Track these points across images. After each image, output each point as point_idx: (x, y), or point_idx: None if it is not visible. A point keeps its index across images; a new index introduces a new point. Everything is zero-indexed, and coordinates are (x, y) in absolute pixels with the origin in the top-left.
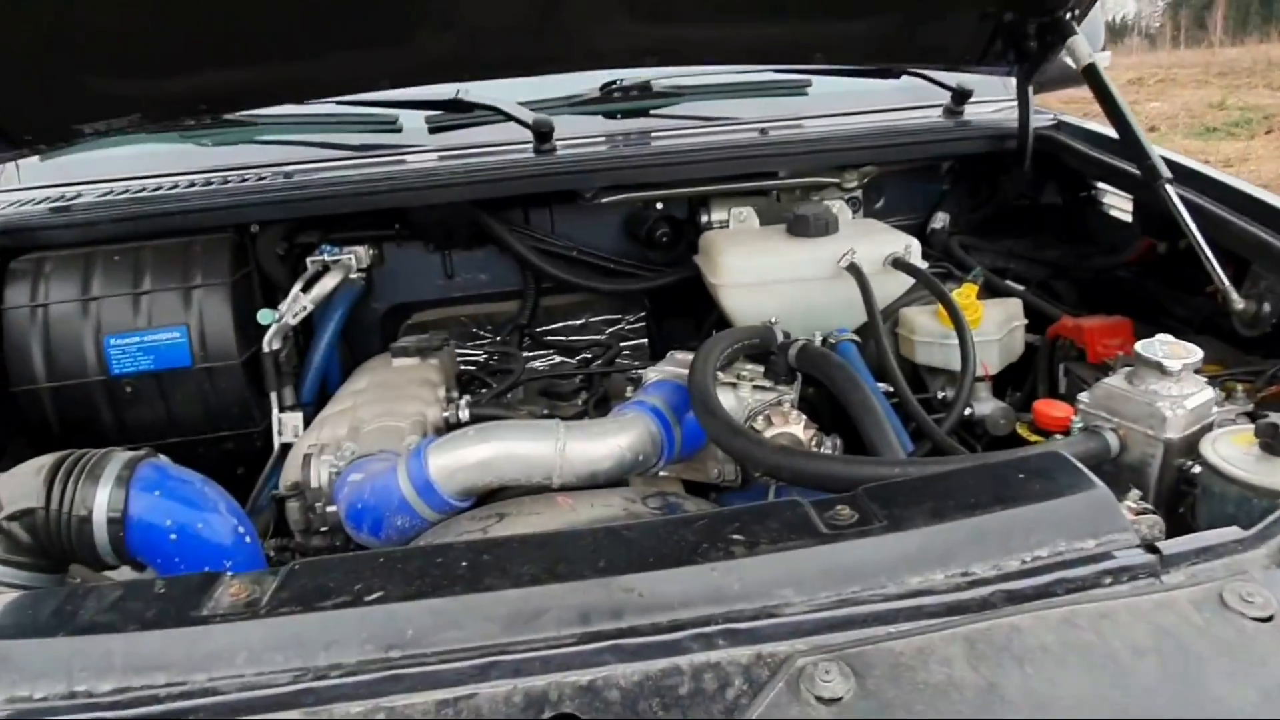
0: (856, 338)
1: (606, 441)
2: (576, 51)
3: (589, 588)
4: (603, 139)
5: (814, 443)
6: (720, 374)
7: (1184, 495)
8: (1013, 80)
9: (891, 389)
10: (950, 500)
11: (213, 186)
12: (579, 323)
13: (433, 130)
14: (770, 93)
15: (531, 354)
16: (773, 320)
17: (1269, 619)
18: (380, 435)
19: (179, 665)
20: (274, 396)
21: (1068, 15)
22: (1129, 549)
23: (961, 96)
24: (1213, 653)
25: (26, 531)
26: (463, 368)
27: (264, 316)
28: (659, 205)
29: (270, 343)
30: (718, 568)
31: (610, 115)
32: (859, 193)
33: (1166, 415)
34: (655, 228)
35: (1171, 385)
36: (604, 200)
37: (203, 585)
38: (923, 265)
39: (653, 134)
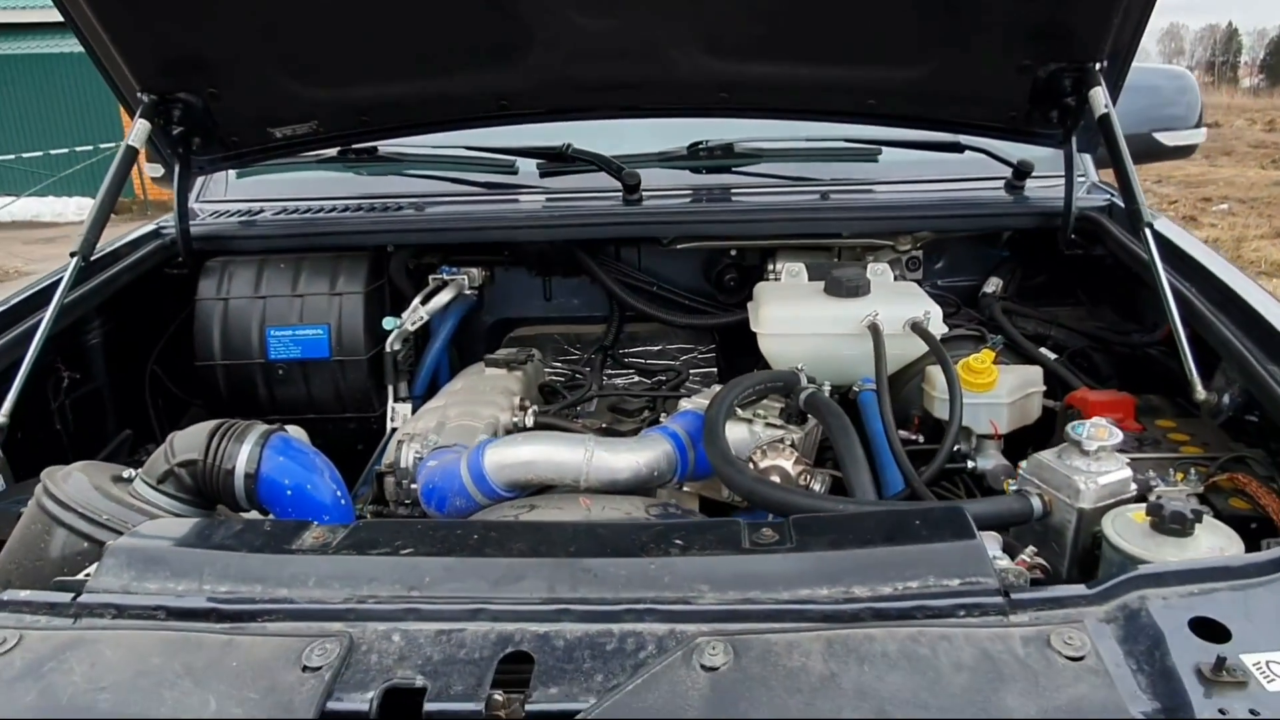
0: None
1: (626, 456)
2: (661, 80)
3: (558, 565)
4: (689, 191)
5: (802, 477)
6: (739, 410)
7: (1095, 557)
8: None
9: (917, 436)
10: (852, 534)
11: (360, 213)
12: (656, 349)
13: (543, 175)
14: (842, 158)
15: (613, 372)
16: (799, 367)
17: (1079, 659)
18: (459, 431)
19: (270, 580)
20: (390, 389)
21: (1097, 66)
22: (986, 591)
23: (1022, 173)
24: (1018, 675)
25: (189, 476)
26: (550, 378)
27: (388, 322)
28: (733, 252)
29: (392, 344)
30: (655, 563)
31: (696, 171)
32: (919, 253)
33: (1080, 487)
34: (725, 272)
35: (1090, 462)
36: (679, 246)
37: (296, 529)
38: (942, 329)
39: (732, 189)
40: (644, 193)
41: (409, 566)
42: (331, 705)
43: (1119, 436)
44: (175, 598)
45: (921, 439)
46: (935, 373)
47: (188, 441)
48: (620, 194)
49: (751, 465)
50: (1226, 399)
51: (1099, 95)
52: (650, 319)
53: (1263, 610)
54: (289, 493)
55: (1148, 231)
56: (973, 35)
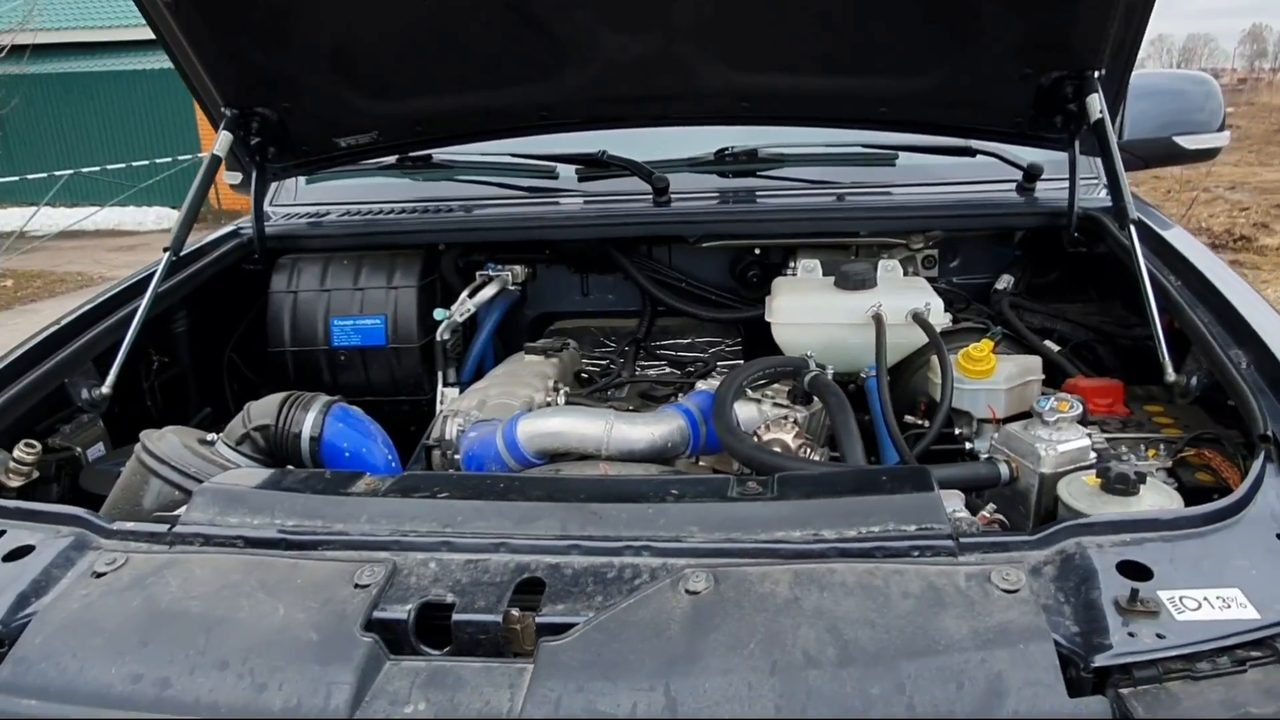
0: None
1: (642, 429)
2: (687, 92)
3: (569, 509)
4: (716, 194)
5: (802, 450)
6: (749, 391)
7: (1055, 516)
8: (1098, 161)
9: (922, 421)
10: (826, 488)
11: (415, 215)
12: (686, 341)
13: (581, 179)
14: (861, 162)
15: (646, 363)
16: (809, 354)
17: (1013, 591)
18: (497, 409)
19: (329, 517)
20: (440, 375)
21: (1096, 74)
22: (939, 535)
23: (1032, 175)
24: (957, 603)
25: (263, 438)
26: (586, 367)
27: (438, 314)
28: (756, 251)
29: (442, 334)
30: (653, 508)
31: (723, 175)
32: (934, 251)
33: (1041, 454)
34: (748, 269)
35: (1052, 432)
36: (705, 245)
37: (351, 478)
38: (943, 321)
39: (757, 192)
40: (673, 195)
41: (444, 508)
42: (377, 614)
43: (1078, 409)
44: (252, 529)
45: (927, 423)
46: (938, 361)
47: (262, 409)
48: (651, 197)
49: (756, 439)
50: (1194, 381)
51: (1095, 101)
52: (679, 313)
53: (1185, 556)
54: (347, 455)
55: (1131, 228)
56: (977, 47)
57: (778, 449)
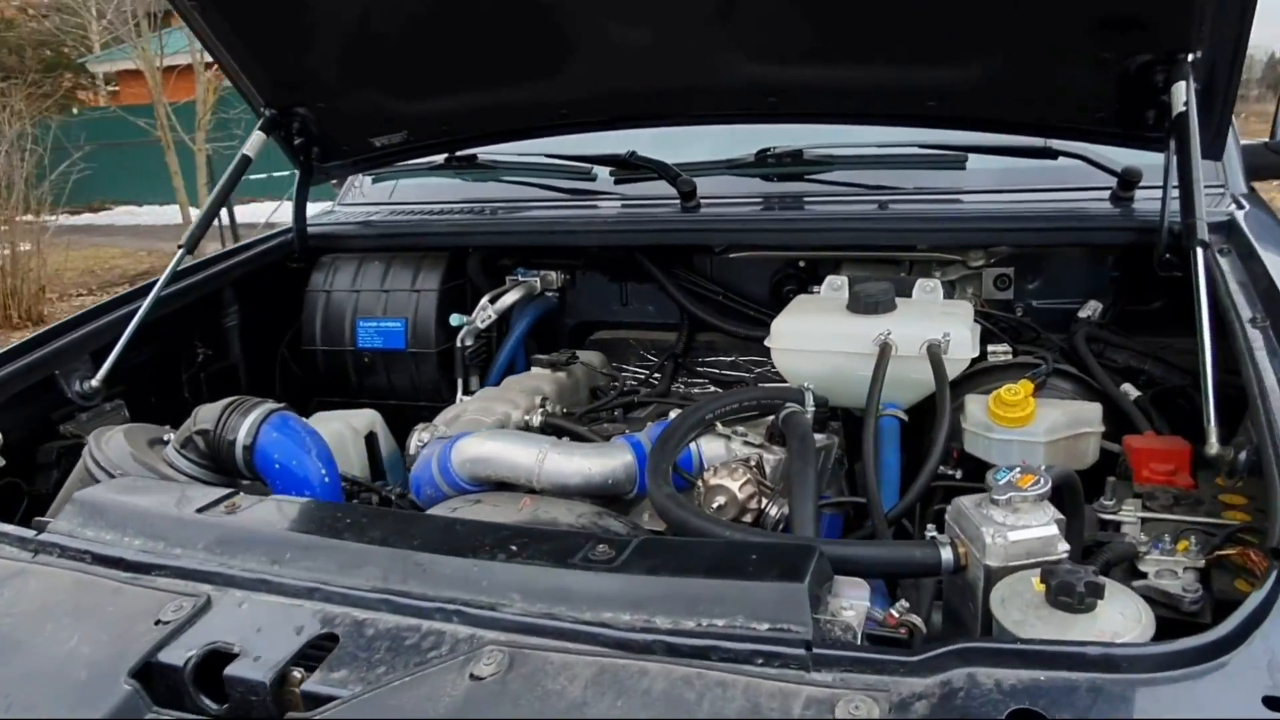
0: (902, 414)
1: (579, 462)
2: (707, 88)
3: (396, 556)
4: (759, 200)
5: (754, 501)
6: (720, 424)
7: None
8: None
9: (954, 471)
10: (683, 561)
11: (444, 217)
12: (729, 359)
13: (617, 182)
14: (922, 165)
15: (691, 381)
16: (807, 386)
17: None
18: (468, 424)
19: (171, 540)
20: (460, 382)
21: (1189, 58)
22: (792, 641)
23: (1128, 182)
24: None
25: (204, 443)
26: (608, 383)
27: (454, 319)
28: (800, 263)
29: (463, 339)
30: (479, 565)
31: (767, 178)
32: (1009, 270)
33: (987, 542)
34: (784, 283)
35: (1007, 514)
36: (731, 255)
37: (221, 497)
38: (965, 355)
39: (805, 198)
40: (709, 200)
41: (278, 541)
42: (162, 657)
43: (1045, 487)
44: (101, 545)
45: (959, 474)
46: (971, 404)
47: (207, 413)
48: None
49: (700, 484)
50: (1243, 456)
51: (1180, 90)
52: (712, 328)
53: (1115, 713)
54: (276, 466)
55: (1199, 251)
56: (1039, 26)
57: (721, 498)
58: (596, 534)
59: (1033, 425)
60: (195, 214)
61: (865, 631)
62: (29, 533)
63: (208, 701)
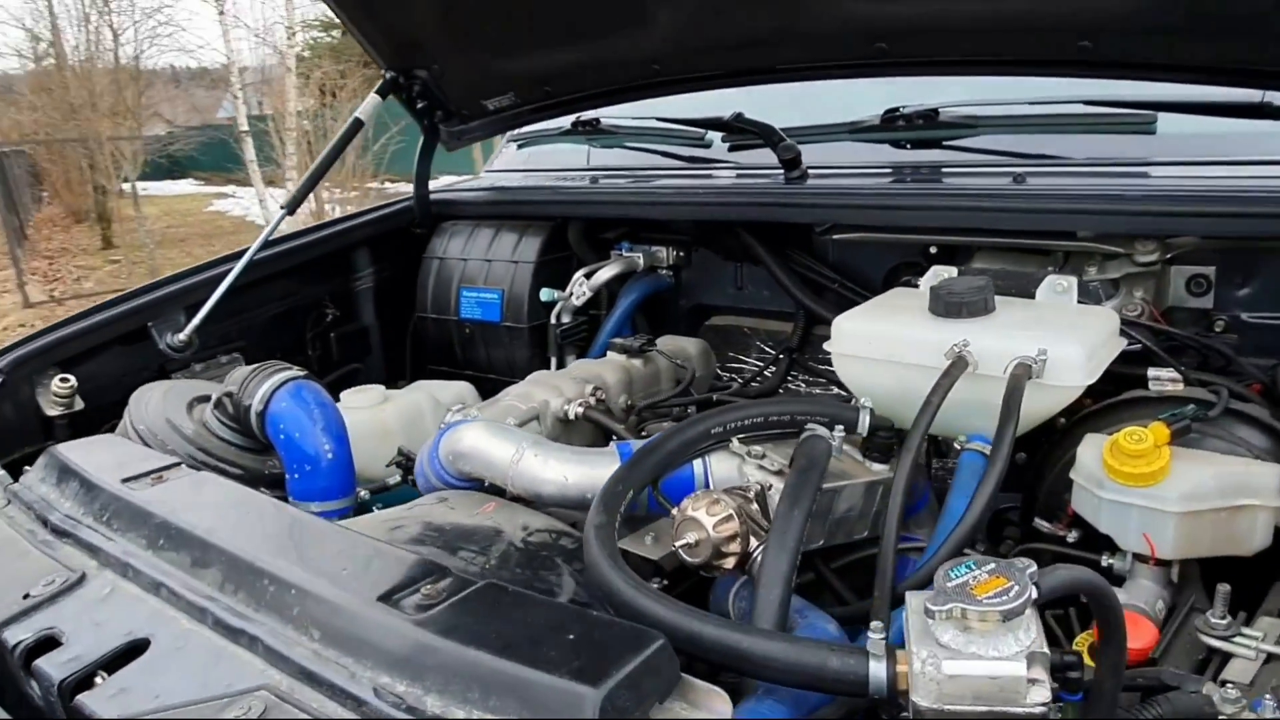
0: (985, 449)
1: (555, 468)
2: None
3: (240, 563)
4: (889, 170)
5: (731, 540)
6: (737, 440)
7: None
8: None
9: (1066, 533)
10: (494, 624)
11: (547, 186)
12: None
13: (731, 149)
14: (1093, 128)
15: (810, 380)
16: (863, 402)
17: None
18: (500, 412)
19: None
20: (553, 361)
21: None
22: None
23: None
24: None
25: (230, 404)
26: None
27: (544, 294)
28: (933, 250)
29: (558, 316)
30: (304, 590)
31: (898, 145)
32: (1208, 271)
33: (915, 669)
34: (901, 271)
35: (957, 635)
36: (836, 237)
37: (159, 470)
38: (1070, 383)
39: (943, 168)
40: (825, 169)
41: (165, 525)
42: (11, 633)
43: (1017, 601)
44: (43, 505)
45: (1072, 536)
46: (1087, 447)
47: (238, 374)
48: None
49: (675, 514)
50: None
51: None
52: (818, 320)
53: None
54: (282, 436)
55: None
56: None
57: (693, 536)
58: (445, 569)
59: (1162, 486)
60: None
61: None
62: (7, 479)
63: (34, 688)
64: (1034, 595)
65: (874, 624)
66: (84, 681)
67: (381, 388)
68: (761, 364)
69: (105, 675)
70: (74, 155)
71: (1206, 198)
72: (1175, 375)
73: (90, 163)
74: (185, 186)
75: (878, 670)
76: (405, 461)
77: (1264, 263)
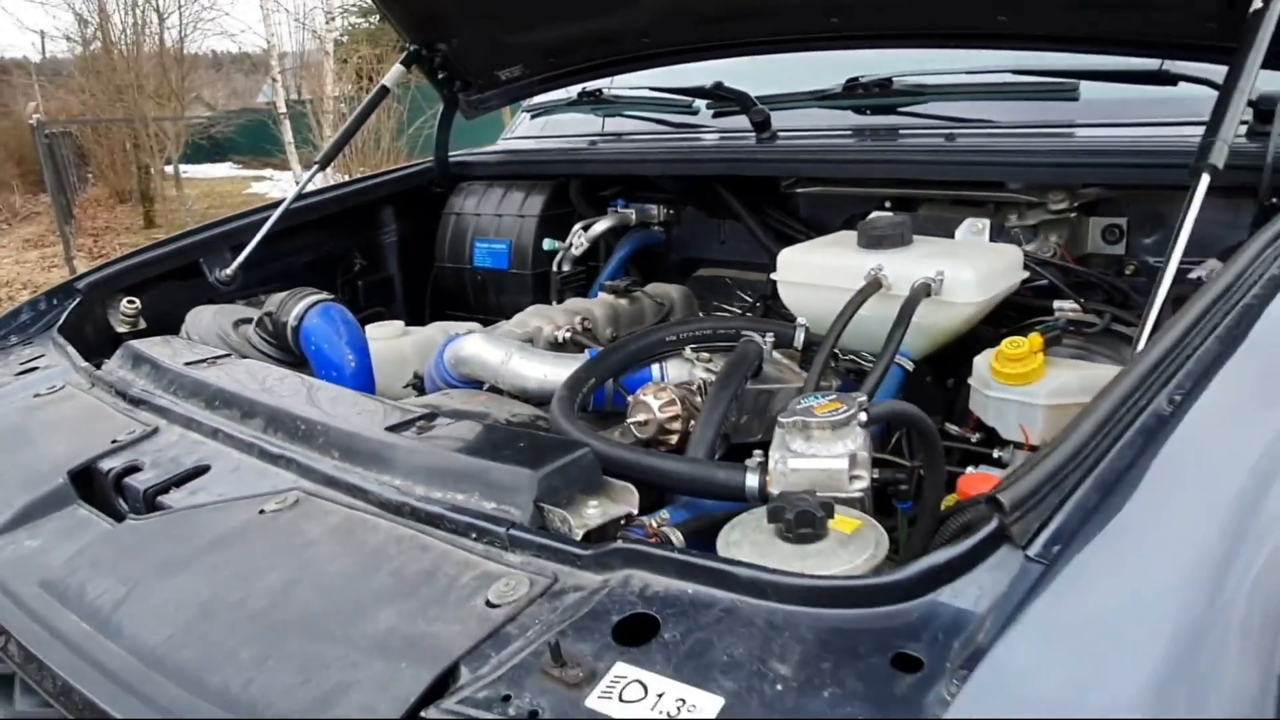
0: (908, 364)
1: (537, 367)
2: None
3: (280, 413)
4: (849, 133)
5: (673, 420)
6: (689, 350)
7: None
8: None
9: (972, 435)
10: (470, 442)
11: (550, 149)
12: None
13: (715, 115)
14: (1025, 95)
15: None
16: (801, 321)
17: (495, 606)
18: (502, 335)
19: (163, 385)
20: (554, 303)
21: None
22: (502, 521)
23: (1264, 113)
24: (430, 600)
25: (270, 322)
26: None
27: (547, 244)
28: (887, 204)
29: (559, 264)
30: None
31: (859, 111)
32: (1121, 221)
33: (772, 468)
34: (855, 221)
35: (799, 440)
36: (799, 190)
37: (212, 358)
38: (971, 299)
39: (900, 131)
40: (792, 132)
41: (220, 393)
42: (101, 464)
43: (845, 414)
44: (123, 383)
45: (975, 438)
46: (978, 362)
47: (276, 298)
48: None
49: (630, 400)
50: None
51: None
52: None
53: (732, 634)
54: (313, 348)
55: (1204, 177)
56: None
57: (642, 415)
58: (436, 411)
59: (1035, 385)
60: None
61: (626, 535)
62: (92, 366)
63: (121, 502)
64: (862, 417)
65: (755, 452)
66: (162, 490)
67: (400, 323)
68: (739, 311)
69: (176, 488)
70: (119, 136)
71: (1109, 151)
72: (1075, 306)
73: (135, 143)
74: (225, 169)
75: (752, 480)
76: (420, 384)
77: (1169, 215)
